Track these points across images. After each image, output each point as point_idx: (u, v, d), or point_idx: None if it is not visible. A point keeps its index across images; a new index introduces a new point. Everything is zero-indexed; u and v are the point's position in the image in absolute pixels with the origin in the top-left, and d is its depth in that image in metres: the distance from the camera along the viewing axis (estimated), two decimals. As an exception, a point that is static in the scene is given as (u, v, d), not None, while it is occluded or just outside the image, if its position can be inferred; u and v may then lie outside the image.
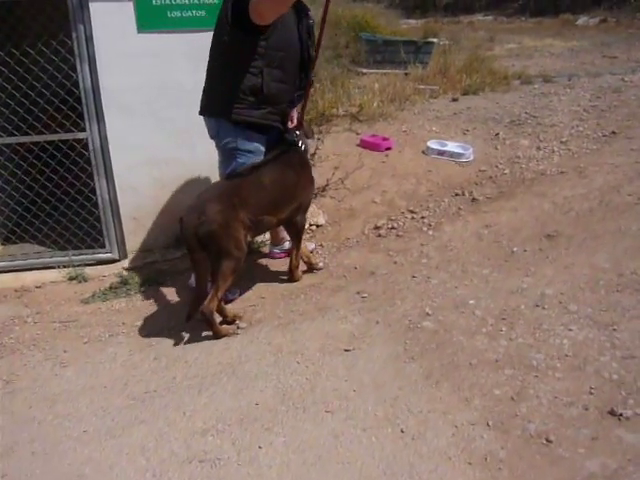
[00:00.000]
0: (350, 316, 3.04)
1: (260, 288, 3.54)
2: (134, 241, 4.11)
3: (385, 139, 5.11)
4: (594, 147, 4.97)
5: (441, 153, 4.84)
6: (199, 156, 3.98)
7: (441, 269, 3.39)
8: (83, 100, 3.78)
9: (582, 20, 16.44)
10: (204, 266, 2.96)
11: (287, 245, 3.77)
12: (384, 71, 7.70)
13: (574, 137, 5.25)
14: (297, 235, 3.39)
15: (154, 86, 3.78)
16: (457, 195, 4.32)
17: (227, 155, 3.20)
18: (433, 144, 4.92)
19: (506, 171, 4.62)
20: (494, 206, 4.05)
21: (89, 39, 3.62)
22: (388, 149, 5.04)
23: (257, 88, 2.99)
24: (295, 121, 3.37)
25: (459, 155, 4.79)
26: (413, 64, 7.78)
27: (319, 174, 4.80)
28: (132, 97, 3.76)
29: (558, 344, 2.64)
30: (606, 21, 15.89)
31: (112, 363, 2.99)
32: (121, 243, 4.10)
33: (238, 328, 3.08)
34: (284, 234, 3.70)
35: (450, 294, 3.11)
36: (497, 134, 5.32)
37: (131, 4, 3.57)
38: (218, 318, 3.06)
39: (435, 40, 8.48)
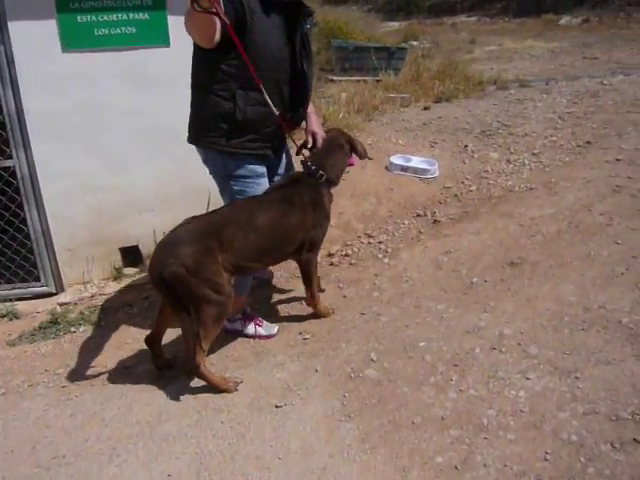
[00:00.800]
0: (288, 362, 2.75)
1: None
2: (70, 273, 3.81)
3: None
4: (567, 159, 4.70)
5: (405, 169, 4.55)
6: (137, 182, 3.69)
7: (393, 304, 3.10)
8: (8, 126, 3.48)
9: (565, 20, 16.23)
10: (166, 311, 2.66)
11: (238, 323, 3.08)
12: (355, 78, 7.42)
13: (547, 148, 4.98)
14: (306, 276, 2.90)
15: (84, 109, 3.48)
16: (419, 216, 4.04)
17: (221, 184, 2.78)
18: (396, 159, 4.63)
19: (472, 188, 4.34)
20: (456, 228, 3.77)
21: (10, 61, 3.31)
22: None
23: (230, 114, 2.55)
24: (317, 139, 2.87)
25: (424, 171, 4.50)
26: (385, 71, 7.50)
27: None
28: (60, 121, 3.46)
29: (513, 397, 2.36)
30: (589, 21, 15.68)
31: (24, 421, 2.68)
32: (57, 276, 3.80)
33: (239, 382, 2.63)
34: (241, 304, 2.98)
35: (400, 335, 2.83)
36: (466, 146, 5.04)
37: (54, 22, 3.27)
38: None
39: (407, 46, 8.20)
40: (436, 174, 4.53)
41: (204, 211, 3.67)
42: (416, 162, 4.61)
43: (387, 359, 2.67)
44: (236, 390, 2.57)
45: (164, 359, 2.84)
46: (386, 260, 3.58)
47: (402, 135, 5.40)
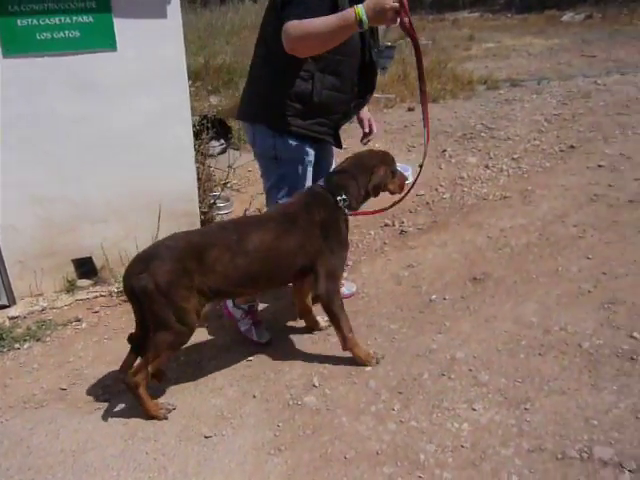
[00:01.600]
0: (227, 387, 2.60)
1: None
2: (22, 286, 3.66)
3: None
4: (548, 165, 4.51)
5: (377, 175, 4.37)
6: (90, 193, 3.54)
7: (345, 323, 2.93)
8: (-49, 135, 3.34)
9: (567, 16, 15.90)
10: (140, 326, 2.49)
11: (240, 311, 2.94)
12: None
13: (528, 153, 4.79)
14: (330, 316, 2.54)
15: (30, 117, 3.32)
16: (386, 226, 3.87)
17: (266, 165, 2.67)
18: (369, 165, 4.45)
19: (446, 195, 4.17)
20: (422, 240, 3.60)
21: (-50, 68, 3.17)
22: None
23: (306, 95, 2.46)
24: (372, 125, 2.80)
25: (396, 178, 4.32)
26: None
27: (238, 202, 4.37)
28: (6, 130, 3.31)
29: (456, 430, 2.20)
30: (592, 17, 15.35)
31: (-50, 447, 2.55)
32: (8, 288, 3.66)
33: (171, 410, 2.48)
34: None
35: (347, 358, 2.66)
36: (444, 151, 4.87)
37: (-8, 26, 3.11)
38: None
39: (396, 44, 7.96)
40: (410, 180, 4.35)
41: (156, 222, 3.55)
42: (389, 168, 4.42)
43: (330, 385, 2.51)
44: (165, 418, 2.42)
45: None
46: (345, 274, 3.41)
47: (380, 139, 5.22)
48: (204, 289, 2.29)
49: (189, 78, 3.73)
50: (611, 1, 16.02)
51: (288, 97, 2.47)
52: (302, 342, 2.85)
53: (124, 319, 3.25)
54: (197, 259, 2.26)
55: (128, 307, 3.33)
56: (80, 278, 3.78)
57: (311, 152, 2.66)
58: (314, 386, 2.51)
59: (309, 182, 2.70)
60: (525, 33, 13.41)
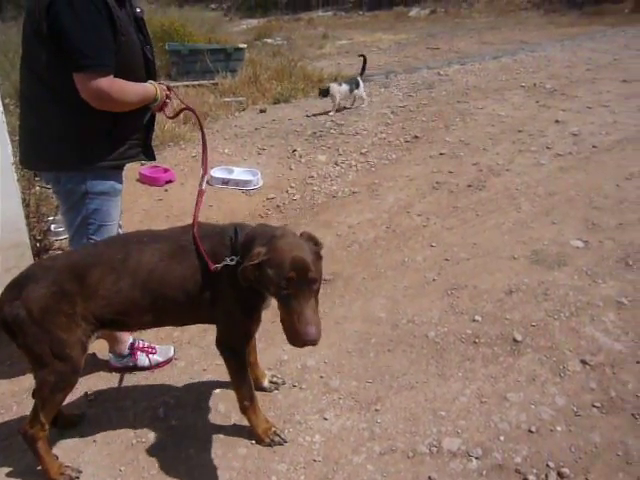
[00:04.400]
0: (66, 433, 2.31)
1: None
2: None
3: (166, 170, 4.41)
4: (394, 156, 4.61)
5: (226, 182, 4.23)
6: None
7: (194, 344, 2.74)
8: None
9: (414, 12, 16.78)
10: None
11: (127, 359, 2.61)
12: (191, 83, 6.97)
13: (376, 146, 4.87)
14: (229, 372, 2.09)
15: None
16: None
17: (72, 202, 2.29)
18: (217, 172, 4.30)
19: (296, 197, 4.10)
20: (273, 245, 3.48)
21: None
22: (169, 182, 4.35)
23: (110, 126, 2.16)
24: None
25: (246, 183, 4.20)
26: (223, 73, 7.12)
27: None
28: None
29: (308, 444, 2.10)
30: (436, 12, 16.32)
31: None
32: None
33: (75, 477, 2.07)
34: (125, 336, 2.56)
35: (196, 382, 2.48)
36: (294, 151, 4.81)
37: None
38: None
39: (244, 45, 7.86)
40: (259, 184, 4.25)
41: None
42: (238, 173, 4.29)
43: (177, 414, 2.32)
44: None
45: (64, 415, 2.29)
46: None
47: (230, 143, 5.07)
48: (87, 316, 1.92)
49: None
50: (451, -3, 17.13)
51: (92, 132, 2.18)
52: (145, 373, 2.62)
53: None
54: (78, 281, 1.90)
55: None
56: None
57: (120, 180, 2.41)
58: (160, 419, 2.31)
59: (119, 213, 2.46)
60: (376, 29, 13.92)
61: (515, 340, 2.50)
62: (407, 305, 2.80)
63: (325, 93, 5.83)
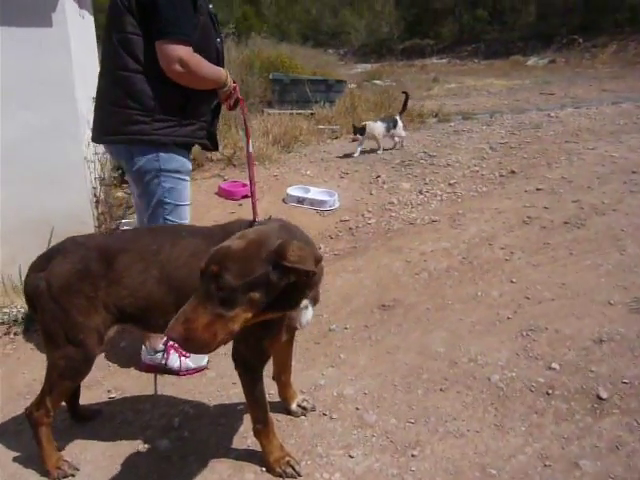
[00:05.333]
0: (75, 428, 2.16)
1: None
2: None
3: (244, 185, 4.34)
4: (484, 189, 4.23)
5: (301, 201, 4.07)
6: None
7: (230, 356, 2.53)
8: None
9: (532, 61, 16.20)
10: None
11: (159, 356, 2.46)
12: (290, 111, 7.01)
13: (466, 178, 4.52)
14: (244, 393, 1.84)
15: None
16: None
17: (147, 181, 2.29)
18: (293, 191, 4.16)
19: (371, 221, 3.84)
20: (336, 266, 3.23)
21: None
22: (246, 197, 4.27)
23: (183, 100, 2.22)
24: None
25: (321, 203, 4.02)
26: (322, 103, 7.11)
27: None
28: None
29: (325, 482, 1.78)
30: (555, 62, 15.64)
31: None
32: None
33: (70, 474, 1.90)
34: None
35: (222, 395, 2.26)
36: (378, 176, 4.57)
37: None
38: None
39: (345, 79, 7.86)
40: (335, 206, 4.04)
41: (46, 246, 3.15)
42: (314, 193, 4.13)
43: (192, 426, 2.10)
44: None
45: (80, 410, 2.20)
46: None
47: (314, 166, 4.94)
48: (108, 304, 1.79)
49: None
50: (574, 47, 16.35)
51: (168, 105, 2.20)
52: (173, 377, 2.43)
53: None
54: (106, 264, 1.78)
55: (5, 340, 2.92)
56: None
57: (190, 160, 2.42)
58: (173, 428, 2.09)
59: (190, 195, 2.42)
60: (489, 75, 13.53)
61: (599, 397, 2.04)
62: (471, 342, 2.41)
63: (361, 132, 5.22)
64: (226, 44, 8.93)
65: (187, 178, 2.38)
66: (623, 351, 2.27)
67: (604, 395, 2.04)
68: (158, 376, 2.44)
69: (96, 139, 2.35)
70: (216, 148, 2.53)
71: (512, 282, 2.85)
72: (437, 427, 1.97)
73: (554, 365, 2.23)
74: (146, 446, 2.02)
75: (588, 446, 1.84)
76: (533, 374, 2.19)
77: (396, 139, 5.48)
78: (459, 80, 12.75)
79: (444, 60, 19.45)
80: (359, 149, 5.27)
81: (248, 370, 1.81)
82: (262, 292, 1.41)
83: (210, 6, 2.33)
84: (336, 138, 6.16)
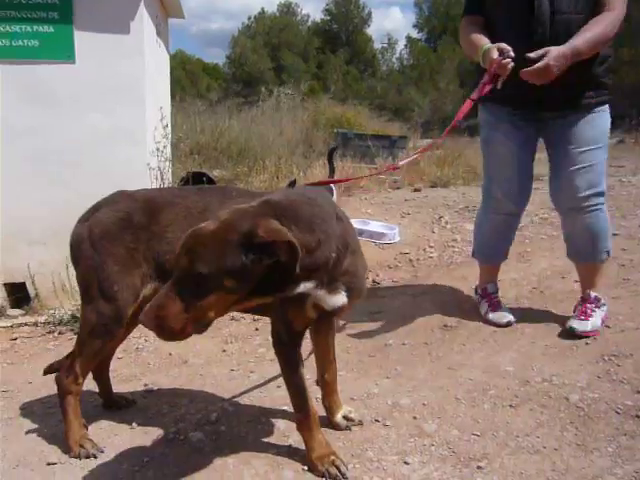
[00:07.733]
0: (105, 415, 2.03)
1: None
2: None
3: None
4: (554, 233, 4.00)
5: (360, 233, 3.94)
6: (28, 210, 3.23)
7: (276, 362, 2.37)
8: None
9: (599, 140, 15.92)
10: None
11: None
12: (351, 165, 7.05)
13: (534, 224, 4.32)
14: (280, 364, 1.71)
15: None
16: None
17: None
18: (353, 223, 4.05)
19: (433, 254, 3.67)
20: (395, 290, 3.07)
21: None
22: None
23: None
24: None
25: (380, 235, 3.89)
26: (386, 158, 7.13)
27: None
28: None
29: (377, 486, 1.55)
30: (624, 142, 15.33)
31: None
32: None
33: (93, 455, 1.75)
34: None
35: (265, 397, 2.08)
36: (440, 217, 4.44)
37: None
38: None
39: (408, 135, 7.90)
40: (395, 239, 3.91)
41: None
42: (374, 226, 4.02)
43: (230, 422, 1.93)
44: (78, 458, 1.73)
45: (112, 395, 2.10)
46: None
47: (376, 207, 4.85)
48: (150, 259, 1.71)
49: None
50: (642, 128, 16.05)
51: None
52: (220, 376, 2.29)
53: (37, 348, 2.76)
54: (151, 216, 1.72)
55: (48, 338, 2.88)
56: (13, 307, 3.35)
57: None
58: (209, 422, 1.92)
59: None
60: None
61: (699, 424, 1.74)
62: (545, 364, 2.16)
63: None
64: (293, 104, 9.33)
65: None
66: None
67: None
68: (200, 374, 2.30)
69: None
70: None
71: (589, 312, 2.58)
72: (507, 441, 1.73)
73: (644, 391, 1.94)
74: (178, 436, 1.86)
75: (690, 471, 1.54)
76: (619, 397, 1.92)
77: None
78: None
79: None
80: None
81: (280, 345, 1.67)
82: (237, 277, 1.27)
83: None
84: (398, 188, 6.09)
